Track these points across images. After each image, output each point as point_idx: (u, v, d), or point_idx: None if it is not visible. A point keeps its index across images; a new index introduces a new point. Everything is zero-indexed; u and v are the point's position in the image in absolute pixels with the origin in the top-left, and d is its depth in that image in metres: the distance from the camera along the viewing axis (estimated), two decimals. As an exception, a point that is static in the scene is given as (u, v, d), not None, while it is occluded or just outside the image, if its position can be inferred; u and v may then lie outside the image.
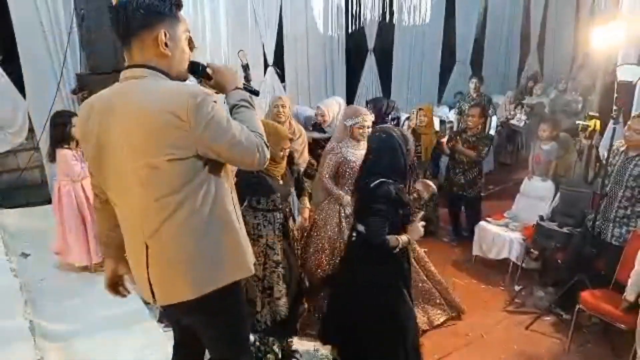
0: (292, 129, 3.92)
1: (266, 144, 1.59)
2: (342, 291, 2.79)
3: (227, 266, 1.65)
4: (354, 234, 2.65)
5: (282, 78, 6.49)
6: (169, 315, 1.99)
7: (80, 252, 3.64)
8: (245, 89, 1.72)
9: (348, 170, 3.41)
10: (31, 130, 5.01)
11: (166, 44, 1.52)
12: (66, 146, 3.58)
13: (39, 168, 5.25)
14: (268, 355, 2.75)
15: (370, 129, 3.41)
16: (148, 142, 1.47)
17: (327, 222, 3.47)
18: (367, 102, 5.55)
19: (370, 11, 6.15)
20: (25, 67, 4.80)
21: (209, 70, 1.67)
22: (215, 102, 1.50)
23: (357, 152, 3.40)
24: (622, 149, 3.30)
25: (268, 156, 1.60)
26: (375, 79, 7.75)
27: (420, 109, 5.11)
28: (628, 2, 4.30)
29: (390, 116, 5.07)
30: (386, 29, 7.41)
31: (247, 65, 4.21)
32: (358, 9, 6.13)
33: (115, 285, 1.90)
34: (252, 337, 2.90)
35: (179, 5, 1.56)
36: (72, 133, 3.52)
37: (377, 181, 2.47)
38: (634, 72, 3.30)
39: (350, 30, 6.43)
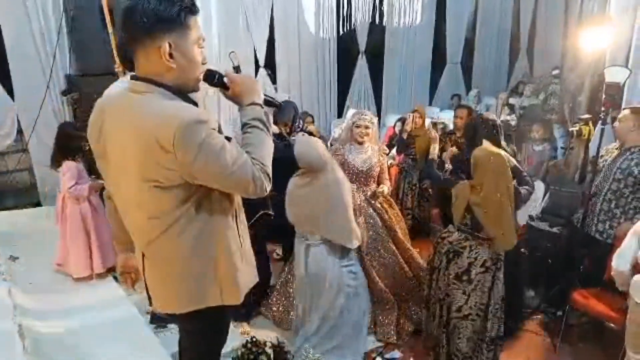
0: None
1: (267, 173, 1.48)
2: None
3: (213, 290, 1.63)
4: None
5: (273, 80, 6.50)
6: (171, 318, 2.00)
7: (79, 264, 3.57)
8: (267, 102, 1.63)
9: (347, 172, 3.41)
10: (20, 132, 4.96)
11: (171, 55, 1.41)
12: (71, 158, 3.54)
13: (28, 170, 5.21)
14: (261, 357, 2.74)
15: (368, 129, 3.44)
16: (138, 165, 1.43)
17: None
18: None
19: (362, 13, 6.18)
20: (14, 68, 4.76)
21: (225, 80, 1.56)
22: (213, 129, 1.41)
23: (358, 157, 3.44)
24: (616, 151, 3.32)
25: (267, 185, 1.48)
26: (366, 80, 7.78)
27: (415, 111, 5.12)
28: (616, 5, 4.35)
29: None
30: (377, 30, 7.45)
31: (238, 66, 4.24)
32: (349, 10, 6.16)
33: (127, 275, 1.94)
34: (245, 339, 2.90)
35: (191, 11, 1.46)
36: (84, 147, 3.47)
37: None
38: (622, 73, 3.32)
39: (341, 32, 6.46)
